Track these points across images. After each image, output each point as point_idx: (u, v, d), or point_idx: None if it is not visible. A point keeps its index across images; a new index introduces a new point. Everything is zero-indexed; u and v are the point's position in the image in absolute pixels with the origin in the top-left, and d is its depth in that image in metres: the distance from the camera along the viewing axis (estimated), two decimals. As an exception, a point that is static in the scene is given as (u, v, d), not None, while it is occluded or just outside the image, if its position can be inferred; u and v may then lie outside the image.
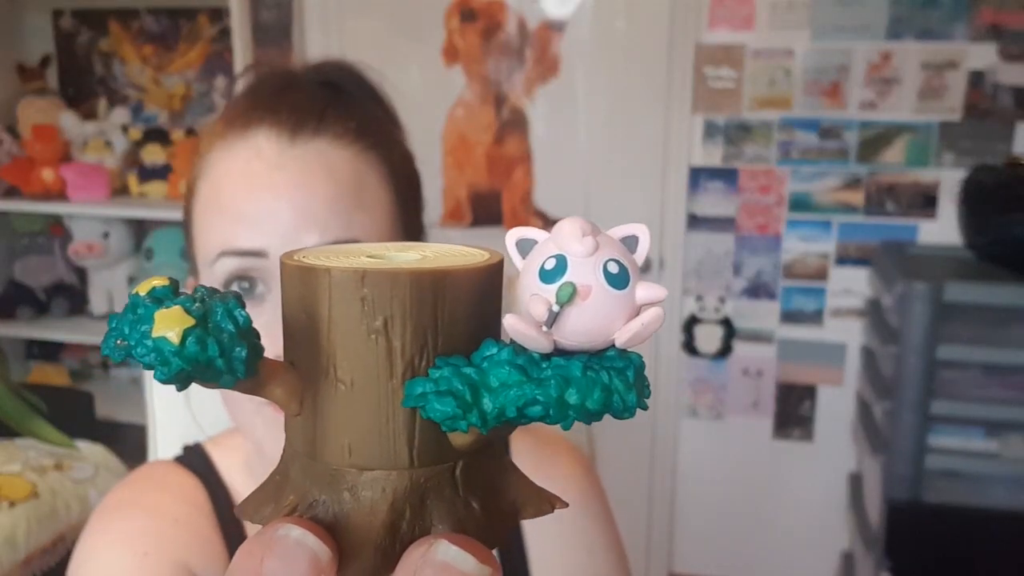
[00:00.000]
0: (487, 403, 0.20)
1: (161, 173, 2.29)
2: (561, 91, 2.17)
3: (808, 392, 2.15)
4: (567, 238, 0.20)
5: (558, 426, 0.20)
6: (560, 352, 0.20)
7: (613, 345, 0.20)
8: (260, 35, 2.22)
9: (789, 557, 2.22)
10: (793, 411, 2.16)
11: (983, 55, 1.92)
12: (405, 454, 0.21)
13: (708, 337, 2.18)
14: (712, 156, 2.09)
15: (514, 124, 2.21)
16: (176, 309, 0.19)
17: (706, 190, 2.11)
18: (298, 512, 0.21)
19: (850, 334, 2.09)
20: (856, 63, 1.98)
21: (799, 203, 2.07)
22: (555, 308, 0.19)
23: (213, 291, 0.20)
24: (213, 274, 0.56)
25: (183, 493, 0.63)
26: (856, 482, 2.04)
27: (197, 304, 0.19)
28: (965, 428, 1.65)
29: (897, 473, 1.64)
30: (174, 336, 0.19)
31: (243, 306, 0.20)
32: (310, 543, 0.20)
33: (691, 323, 2.18)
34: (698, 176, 2.11)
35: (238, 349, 0.19)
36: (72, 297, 2.47)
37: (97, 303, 2.42)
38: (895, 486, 1.64)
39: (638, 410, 0.20)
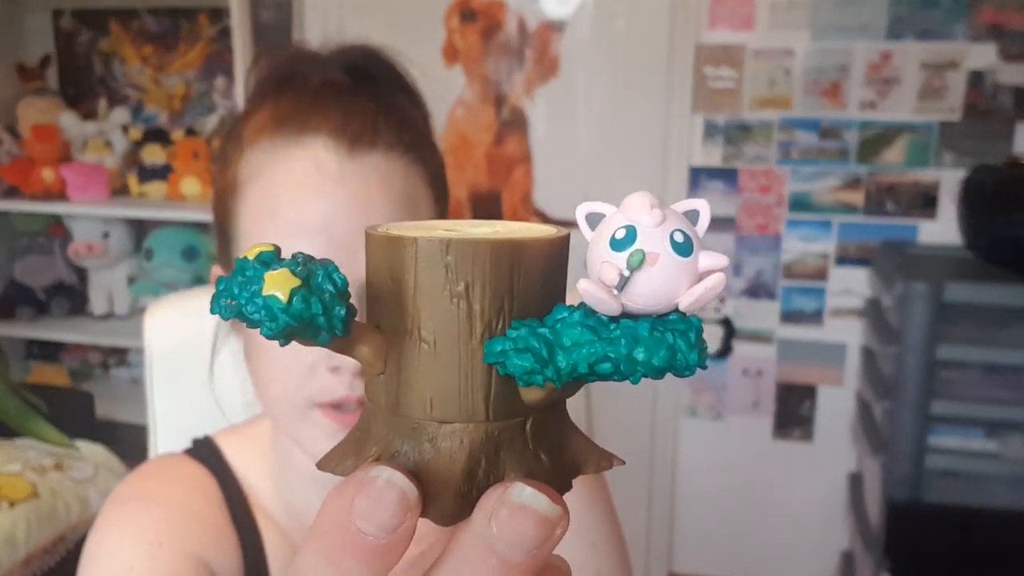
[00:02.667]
0: (561, 360, 0.21)
1: (161, 173, 2.28)
2: (561, 91, 2.17)
3: (808, 392, 2.15)
4: (637, 210, 0.21)
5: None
6: (627, 315, 0.22)
7: (675, 310, 0.22)
8: (260, 35, 2.22)
9: (789, 557, 2.22)
10: (793, 411, 2.16)
11: (983, 55, 1.92)
12: (482, 409, 0.23)
13: (708, 337, 2.17)
14: (712, 156, 2.09)
15: (514, 124, 2.21)
16: (284, 271, 0.21)
17: (706, 190, 2.11)
18: (382, 461, 0.23)
19: (850, 334, 2.09)
20: (856, 63, 1.98)
21: (799, 203, 2.07)
22: (625, 273, 0.21)
23: (310, 258, 0.22)
24: None
25: (195, 484, 0.64)
26: (856, 482, 2.04)
27: (300, 267, 0.21)
28: (965, 428, 1.65)
29: (897, 473, 1.64)
30: (282, 295, 0.20)
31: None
32: (399, 483, 0.21)
33: (691, 323, 2.17)
34: (698, 176, 2.11)
35: (338, 308, 0.21)
36: (72, 297, 2.47)
37: (97, 303, 2.42)
38: (895, 486, 1.64)
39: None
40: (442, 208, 0.63)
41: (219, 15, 2.32)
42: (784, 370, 2.15)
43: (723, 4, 2.01)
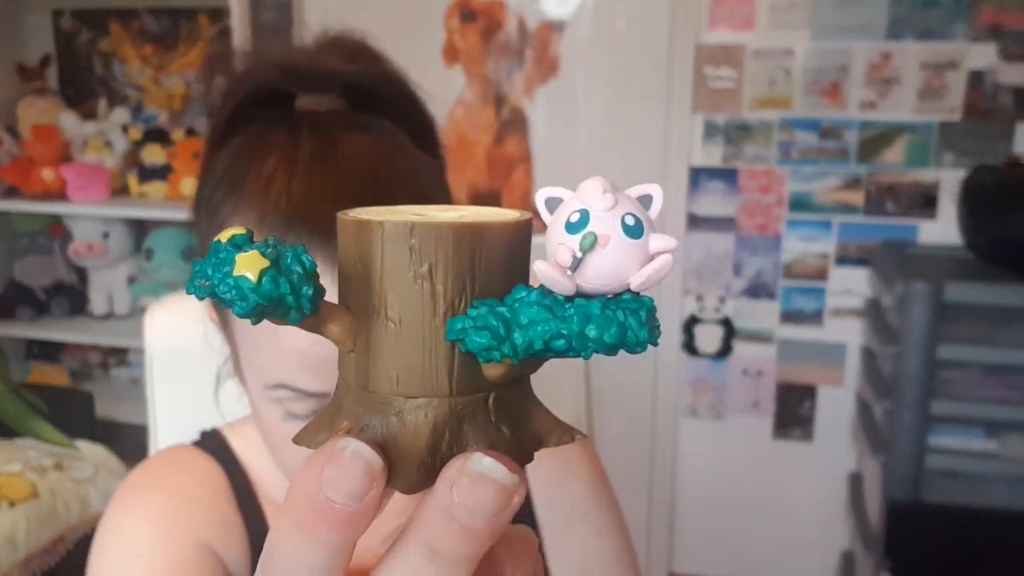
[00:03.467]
0: (518, 337, 0.22)
1: (161, 173, 2.29)
2: (561, 91, 2.17)
3: (808, 392, 2.15)
4: (590, 195, 0.23)
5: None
6: (582, 295, 0.23)
7: (628, 290, 0.23)
8: (260, 35, 2.21)
9: (789, 557, 2.22)
10: (793, 411, 2.16)
11: (983, 55, 1.92)
12: (445, 384, 0.24)
13: (708, 337, 2.18)
14: (712, 156, 2.09)
15: (514, 124, 2.21)
16: (254, 252, 0.22)
17: (706, 190, 2.11)
18: (351, 434, 0.24)
19: (850, 334, 2.09)
20: (856, 63, 1.98)
21: (799, 203, 2.07)
22: (578, 255, 0.22)
23: (280, 241, 0.23)
24: (271, 394, 0.54)
25: (203, 475, 0.65)
26: (856, 482, 2.04)
27: (270, 249, 0.22)
28: (965, 428, 1.65)
29: (897, 473, 1.64)
30: (252, 275, 0.21)
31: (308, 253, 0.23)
32: (365, 454, 0.22)
33: (691, 323, 2.18)
34: (698, 176, 2.11)
35: (306, 288, 0.22)
36: (72, 297, 2.47)
37: (97, 303, 2.42)
38: (895, 486, 1.65)
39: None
40: None
41: (219, 15, 2.32)
42: (784, 370, 2.15)
43: (723, 4, 2.01)
